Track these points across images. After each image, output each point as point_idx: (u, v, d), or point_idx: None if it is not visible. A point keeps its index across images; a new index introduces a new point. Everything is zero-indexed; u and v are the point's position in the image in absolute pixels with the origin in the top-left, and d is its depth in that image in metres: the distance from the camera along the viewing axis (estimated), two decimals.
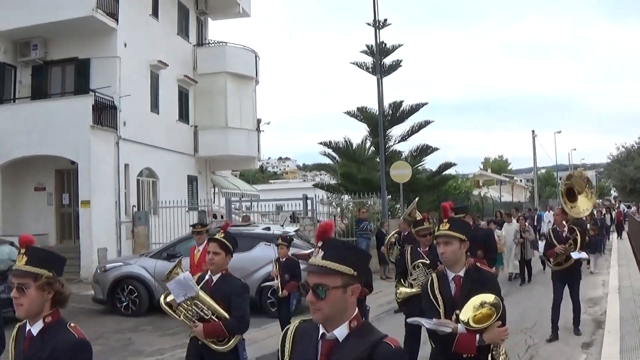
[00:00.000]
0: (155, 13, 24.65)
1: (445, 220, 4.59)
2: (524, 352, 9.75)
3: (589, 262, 19.10)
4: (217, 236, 5.60)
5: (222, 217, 26.25)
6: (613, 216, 36.47)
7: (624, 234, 35.13)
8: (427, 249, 7.72)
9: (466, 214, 7.01)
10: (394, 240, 13.08)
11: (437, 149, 29.21)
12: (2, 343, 4.57)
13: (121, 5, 21.72)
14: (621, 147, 62.97)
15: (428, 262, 7.49)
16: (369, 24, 25.93)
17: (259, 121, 31.24)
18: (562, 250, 10.14)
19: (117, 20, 21.50)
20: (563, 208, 10.68)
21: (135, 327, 13.15)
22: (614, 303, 13.31)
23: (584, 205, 10.65)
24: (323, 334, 2.79)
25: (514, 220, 19.62)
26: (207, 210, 25.16)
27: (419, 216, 12.32)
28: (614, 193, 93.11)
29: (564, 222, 10.64)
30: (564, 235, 10.34)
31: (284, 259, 10.14)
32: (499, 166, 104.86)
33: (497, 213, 25.43)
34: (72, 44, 21.62)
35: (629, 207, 55.60)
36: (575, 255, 10.12)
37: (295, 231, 16.04)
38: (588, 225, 20.54)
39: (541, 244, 16.91)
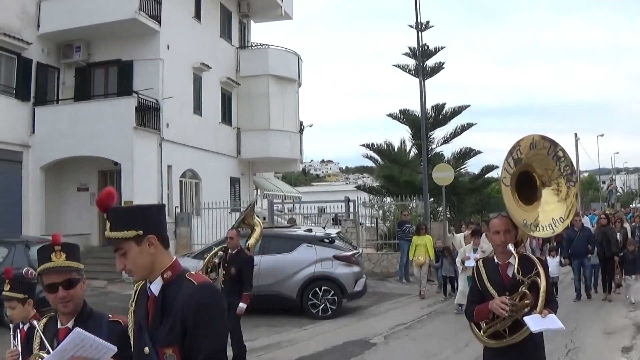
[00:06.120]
0: (197, 15, 24.78)
1: (108, 220, 2.85)
2: (564, 356, 9.55)
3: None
4: None
5: (264, 218, 26.26)
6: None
7: None
8: None
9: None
10: (217, 261, 9.52)
11: (479, 152, 28.85)
12: None
13: (164, 7, 21.90)
14: None
15: None
16: (411, 26, 25.72)
17: (301, 123, 31.24)
18: (506, 310, 4.29)
19: (159, 22, 21.68)
20: (507, 219, 4.60)
21: None
22: None
23: (553, 212, 4.71)
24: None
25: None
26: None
27: (257, 225, 9.83)
28: None
29: (509, 248, 4.51)
30: (510, 275, 4.51)
31: None
32: None
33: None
34: (115, 46, 21.88)
35: None
36: (532, 324, 4.22)
37: (337, 233, 15.96)
38: (618, 235, 15.67)
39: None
